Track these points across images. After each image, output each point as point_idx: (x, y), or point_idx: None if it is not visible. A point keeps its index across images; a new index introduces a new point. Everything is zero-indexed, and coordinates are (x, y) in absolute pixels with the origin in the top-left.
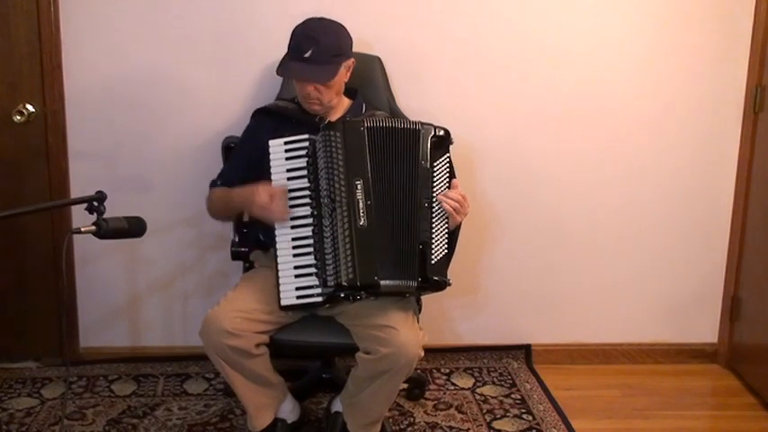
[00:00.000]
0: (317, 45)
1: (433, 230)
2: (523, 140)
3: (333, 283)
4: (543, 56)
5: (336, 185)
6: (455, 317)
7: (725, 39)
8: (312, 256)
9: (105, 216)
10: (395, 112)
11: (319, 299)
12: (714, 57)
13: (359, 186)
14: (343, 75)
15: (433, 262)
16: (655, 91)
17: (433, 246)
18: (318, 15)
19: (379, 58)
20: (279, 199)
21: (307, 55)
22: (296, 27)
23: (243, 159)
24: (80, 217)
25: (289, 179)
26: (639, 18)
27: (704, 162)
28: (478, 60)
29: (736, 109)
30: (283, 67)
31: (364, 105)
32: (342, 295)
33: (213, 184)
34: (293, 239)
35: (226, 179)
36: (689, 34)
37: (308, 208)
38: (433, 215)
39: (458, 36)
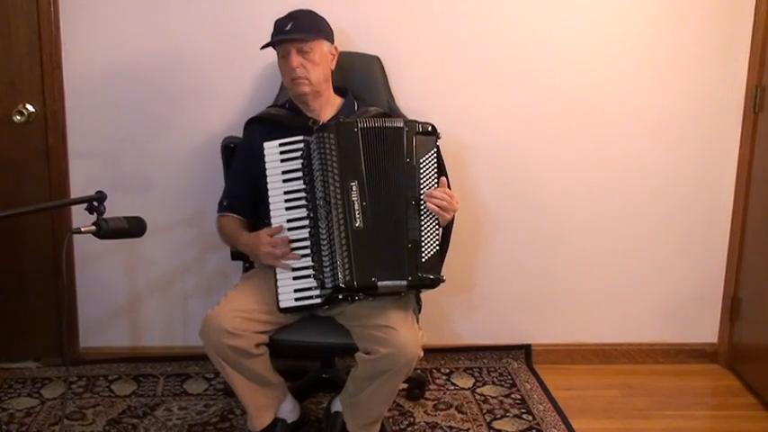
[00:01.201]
0: (296, 20)
1: (423, 228)
2: (523, 140)
3: (330, 285)
4: (542, 56)
5: (332, 187)
6: (455, 317)
7: (725, 39)
8: (309, 258)
9: (105, 216)
10: (394, 112)
11: (318, 300)
12: (714, 57)
13: (354, 188)
14: (328, 58)
15: (423, 260)
16: (655, 91)
17: (423, 244)
18: (319, 15)
19: (378, 58)
20: (282, 247)
21: (287, 28)
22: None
23: (243, 172)
24: (80, 217)
25: (284, 181)
26: (639, 18)
27: (704, 162)
28: (478, 60)
29: (736, 109)
30: (269, 42)
31: (356, 103)
32: (340, 297)
33: (220, 206)
34: (290, 242)
35: (231, 197)
36: (689, 34)
37: (305, 210)
38: (422, 213)
39: (457, 36)
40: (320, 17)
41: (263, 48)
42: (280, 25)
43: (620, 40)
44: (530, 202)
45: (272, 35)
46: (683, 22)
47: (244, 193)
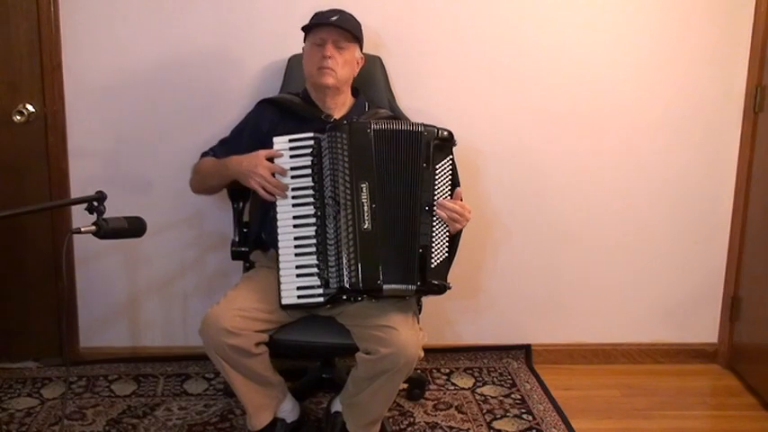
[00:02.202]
0: (341, 15)
1: (434, 234)
2: (523, 142)
3: (335, 286)
4: (543, 57)
5: (341, 188)
6: (456, 317)
7: (725, 39)
8: (314, 257)
9: (105, 216)
10: (395, 113)
11: (320, 299)
12: (714, 57)
13: (364, 189)
14: (356, 61)
15: (433, 266)
16: (655, 92)
17: (434, 249)
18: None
19: (379, 58)
20: (278, 178)
21: (333, 18)
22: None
23: (239, 143)
24: (80, 217)
25: (293, 177)
26: (640, 19)
27: (704, 162)
28: (480, 61)
29: (736, 109)
30: (310, 25)
31: (367, 104)
32: (344, 297)
33: (205, 155)
34: (296, 238)
35: (217, 154)
36: (689, 35)
37: (312, 207)
38: (434, 219)
39: (459, 36)
40: (359, 23)
41: (304, 27)
42: (323, 14)
43: (621, 41)
44: (532, 204)
45: (316, 21)
46: (683, 22)
47: None
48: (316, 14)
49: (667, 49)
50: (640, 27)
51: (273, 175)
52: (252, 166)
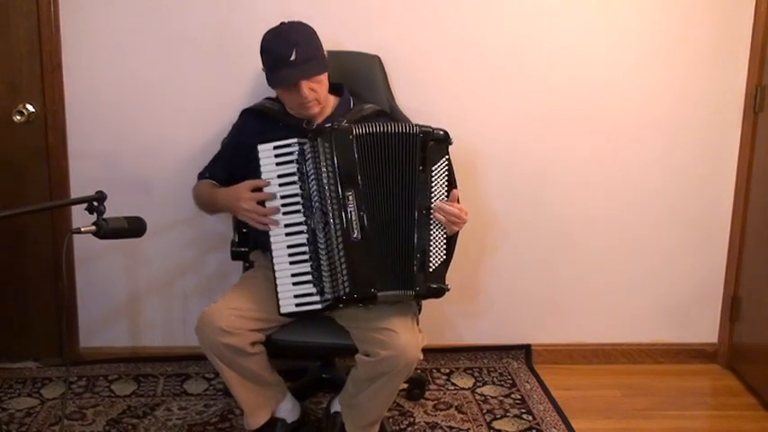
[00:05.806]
0: (298, 45)
1: (431, 237)
2: (523, 142)
3: (330, 297)
4: (543, 57)
5: (328, 199)
6: (456, 317)
7: (725, 39)
8: (308, 264)
9: (105, 216)
10: (395, 112)
11: (318, 306)
12: (714, 57)
13: (350, 198)
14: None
15: (431, 270)
16: (655, 92)
17: (431, 253)
18: (318, 15)
19: (378, 58)
20: (265, 204)
21: (293, 58)
22: (264, 43)
23: (227, 159)
24: (80, 217)
25: (280, 185)
26: (640, 19)
27: (704, 162)
28: (479, 61)
29: (736, 109)
30: (276, 77)
31: (352, 100)
32: (341, 306)
33: (201, 176)
34: (288, 247)
35: (213, 175)
36: (689, 35)
37: (301, 215)
38: (431, 222)
39: (459, 36)
40: (311, 29)
41: (273, 86)
42: (281, 53)
43: (621, 41)
44: (532, 204)
45: (272, 63)
46: (683, 22)
47: (224, 177)
48: (271, 52)
49: (667, 50)
50: (640, 27)
51: (263, 201)
52: (234, 200)
